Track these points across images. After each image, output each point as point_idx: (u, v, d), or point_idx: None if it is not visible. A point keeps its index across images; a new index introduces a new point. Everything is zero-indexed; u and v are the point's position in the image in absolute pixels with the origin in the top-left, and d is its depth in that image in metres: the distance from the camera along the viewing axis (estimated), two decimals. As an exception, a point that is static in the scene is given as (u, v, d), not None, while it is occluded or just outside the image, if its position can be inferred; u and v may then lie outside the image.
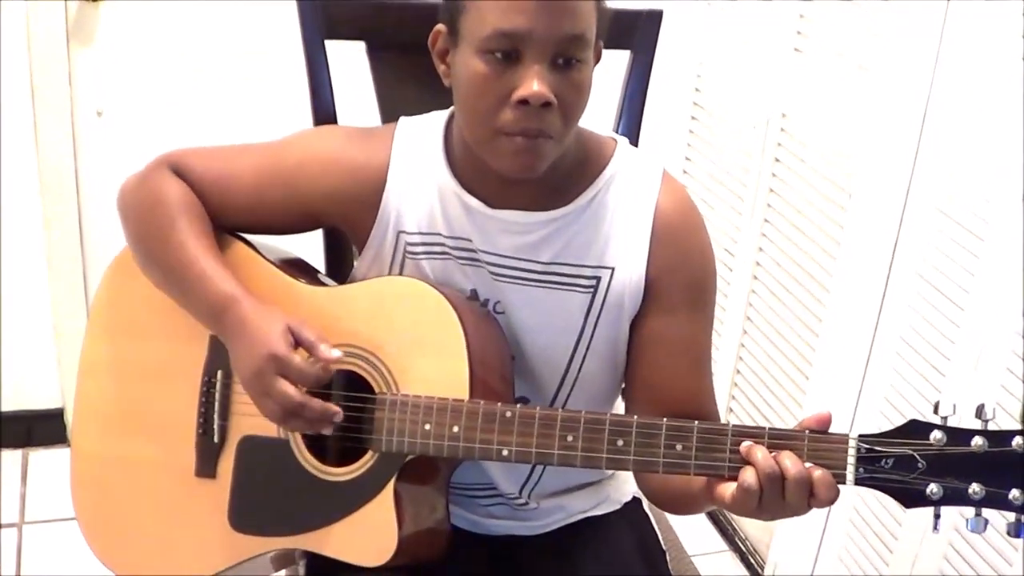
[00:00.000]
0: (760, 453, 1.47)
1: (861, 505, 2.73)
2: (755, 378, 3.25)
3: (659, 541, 1.97)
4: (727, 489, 1.51)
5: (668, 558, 1.95)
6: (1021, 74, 2.18)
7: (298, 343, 1.63)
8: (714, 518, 3.53)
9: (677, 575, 1.95)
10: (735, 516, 3.43)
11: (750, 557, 3.34)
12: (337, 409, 1.62)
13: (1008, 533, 1.44)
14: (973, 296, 2.32)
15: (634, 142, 2.08)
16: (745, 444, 1.49)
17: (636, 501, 2.00)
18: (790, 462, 1.45)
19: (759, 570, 3.27)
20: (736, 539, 3.41)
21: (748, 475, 1.47)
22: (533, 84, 1.52)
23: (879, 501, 2.64)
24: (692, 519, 3.42)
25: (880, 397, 2.61)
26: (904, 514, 2.53)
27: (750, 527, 3.37)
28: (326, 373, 1.62)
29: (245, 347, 1.65)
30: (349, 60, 2.08)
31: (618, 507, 1.97)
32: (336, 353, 1.62)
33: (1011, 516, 1.43)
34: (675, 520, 2.13)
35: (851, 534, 2.79)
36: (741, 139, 3.21)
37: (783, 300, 3.05)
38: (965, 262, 2.34)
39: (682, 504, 1.75)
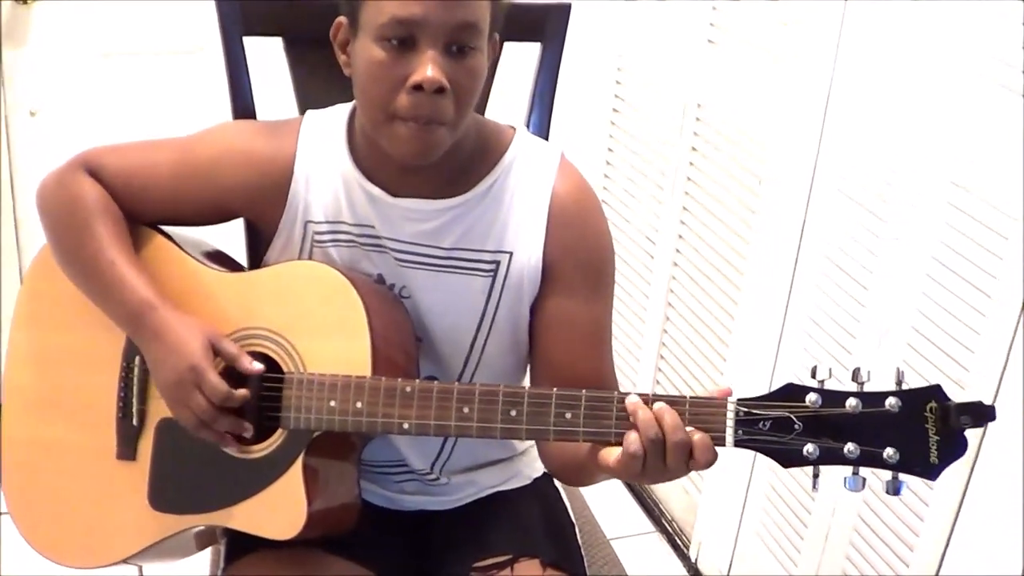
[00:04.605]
0: (643, 414, 1.51)
1: (777, 483, 2.80)
2: (675, 361, 3.32)
3: (569, 515, 2.02)
4: (611, 454, 1.55)
5: (578, 531, 2.00)
6: (915, 63, 2.27)
7: (218, 355, 1.70)
8: (641, 500, 3.59)
9: (588, 549, 2.00)
10: (661, 498, 3.50)
11: (676, 538, 3.40)
12: (248, 426, 1.70)
13: (887, 491, 1.50)
14: (876, 275, 2.40)
15: (545, 132, 2.15)
16: (631, 400, 1.54)
17: (547, 477, 2.05)
18: (670, 425, 1.50)
19: (685, 550, 3.33)
20: (663, 520, 3.47)
21: (632, 441, 1.52)
22: (427, 69, 1.58)
23: (794, 478, 2.71)
24: (618, 502, 3.51)
25: (791, 373, 2.68)
26: (816, 490, 2.60)
27: (676, 509, 3.43)
28: (238, 398, 1.69)
29: (164, 355, 1.71)
30: (268, 56, 2.13)
31: (528, 482, 2.04)
32: (258, 366, 1.70)
33: (888, 475, 1.49)
34: (602, 502, 2.19)
35: (768, 510, 2.86)
36: (660, 129, 3.27)
37: (700, 284, 3.13)
38: (867, 242, 2.42)
39: (576, 473, 1.79)
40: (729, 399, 1.52)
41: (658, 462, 1.52)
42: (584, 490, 2.17)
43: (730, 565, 3.10)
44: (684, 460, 1.52)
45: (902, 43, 2.31)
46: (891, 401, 1.47)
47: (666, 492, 3.48)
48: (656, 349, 3.41)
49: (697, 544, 3.26)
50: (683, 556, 3.34)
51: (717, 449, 1.53)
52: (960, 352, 2.19)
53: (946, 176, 2.19)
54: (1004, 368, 2.09)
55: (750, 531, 2.97)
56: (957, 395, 2.09)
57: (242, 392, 1.69)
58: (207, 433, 1.70)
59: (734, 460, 2.88)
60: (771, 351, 2.79)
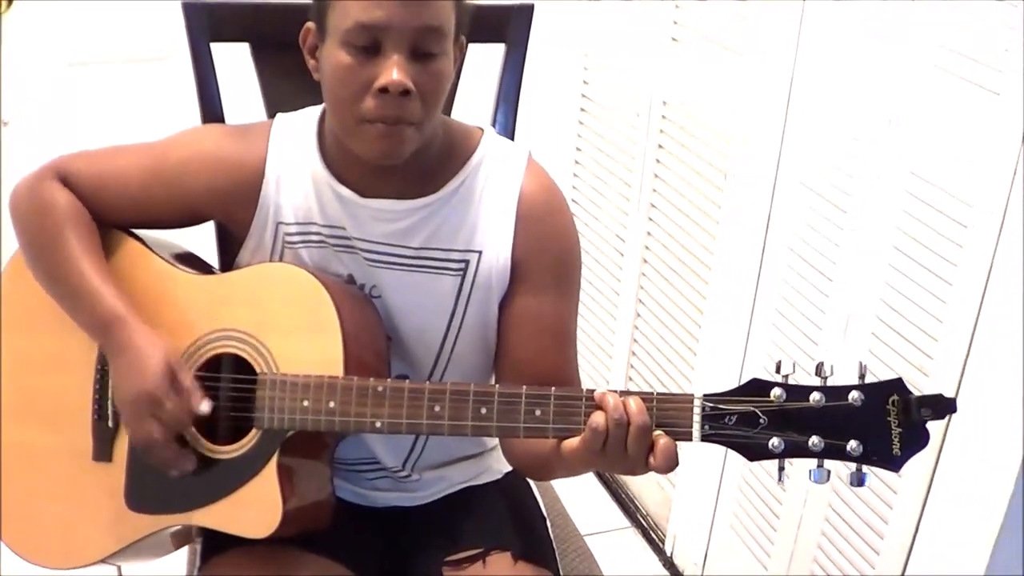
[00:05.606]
0: (612, 399, 1.55)
1: (749, 475, 2.83)
2: (647, 356, 3.34)
3: (539, 508, 2.04)
4: (575, 439, 1.59)
5: (549, 524, 2.03)
6: (872, 56, 2.29)
7: (174, 384, 1.71)
8: (616, 496, 3.60)
9: (559, 542, 2.02)
10: (635, 493, 3.53)
11: (652, 532, 3.42)
12: (191, 458, 1.73)
13: (851, 483, 1.52)
14: (839, 267, 2.43)
15: (510, 133, 2.16)
16: (599, 391, 1.57)
17: (517, 471, 2.06)
18: (635, 408, 1.54)
19: (660, 544, 3.36)
20: (638, 515, 3.49)
21: (597, 416, 1.55)
22: (392, 73, 1.60)
23: (765, 470, 2.74)
24: (594, 498, 3.52)
25: (760, 366, 2.72)
26: (781, 483, 2.63)
27: (650, 503, 3.46)
28: (189, 424, 1.72)
29: (125, 372, 1.73)
30: (235, 61, 2.14)
31: (499, 477, 2.05)
32: (206, 408, 1.72)
33: (852, 466, 1.52)
34: (576, 499, 2.19)
35: (740, 502, 2.89)
36: (627, 127, 3.29)
37: (670, 279, 3.15)
38: (831, 234, 2.45)
39: (538, 467, 1.82)
40: (695, 394, 1.55)
41: (619, 444, 1.55)
42: (559, 487, 2.19)
43: (705, 557, 3.12)
44: (645, 449, 1.55)
45: (860, 37, 2.33)
46: (854, 395, 1.50)
47: (640, 487, 3.50)
48: (628, 345, 3.43)
49: (672, 538, 3.28)
50: (659, 550, 3.36)
51: (684, 444, 1.55)
52: (923, 340, 2.22)
53: (905, 167, 2.22)
54: (967, 355, 2.12)
55: (724, 523, 3.00)
56: (921, 381, 2.14)
57: (198, 413, 1.72)
58: (150, 458, 1.73)
59: (706, 453, 2.91)
60: (740, 342, 2.82)
